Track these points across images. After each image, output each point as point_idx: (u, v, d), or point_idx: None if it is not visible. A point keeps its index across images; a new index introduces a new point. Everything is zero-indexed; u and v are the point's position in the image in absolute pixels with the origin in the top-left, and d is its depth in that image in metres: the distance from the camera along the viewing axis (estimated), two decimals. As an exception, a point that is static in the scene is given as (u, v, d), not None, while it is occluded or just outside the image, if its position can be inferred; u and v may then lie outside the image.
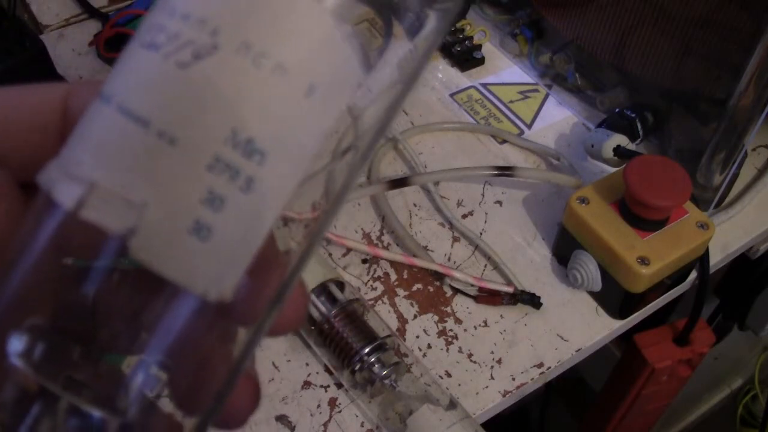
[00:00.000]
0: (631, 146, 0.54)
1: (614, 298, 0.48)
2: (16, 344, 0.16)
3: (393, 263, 0.51)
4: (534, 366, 0.46)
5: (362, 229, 0.53)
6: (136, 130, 0.15)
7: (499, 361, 0.46)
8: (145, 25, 0.16)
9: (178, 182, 0.15)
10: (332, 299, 0.44)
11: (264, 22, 0.15)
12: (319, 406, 0.43)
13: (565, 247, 0.50)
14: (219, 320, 0.17)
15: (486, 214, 0.54)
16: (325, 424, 0.43)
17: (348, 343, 0.42)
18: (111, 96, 0.16)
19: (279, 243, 0.18)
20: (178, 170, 0.15)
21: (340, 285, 0.45)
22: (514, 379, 0.45)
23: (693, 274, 0.51)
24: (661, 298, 0.50)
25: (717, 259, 0.53)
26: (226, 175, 0.15)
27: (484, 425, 0.42)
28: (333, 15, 0.16)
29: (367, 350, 0.42)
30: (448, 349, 0.47)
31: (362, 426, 0.43)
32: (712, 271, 0.50)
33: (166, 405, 0.17)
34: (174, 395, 0.17)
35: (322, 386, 0.44)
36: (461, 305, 0.49)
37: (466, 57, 0.66)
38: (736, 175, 0.54)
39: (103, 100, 0.16)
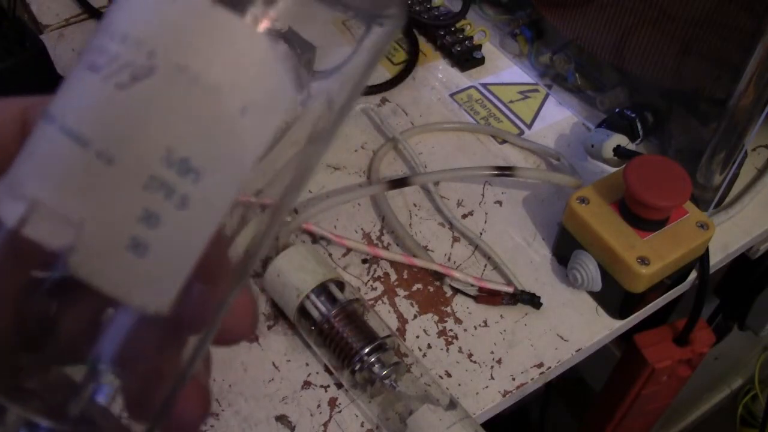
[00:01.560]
0: (631, 146, 0.54)
1: (614, 298, 0.48)
2: None
3: (393, 263, 0.51)
4: (534, 366, 0.46)
5: (362, 229, 0.53)
6: (76, 150, 0.16)
7: (499, 361, 0.46)
8: (89, 46, 0.17)
9: (114, 201, 0.16)
10: (332, 299, 0.44)
11: (199, 44, 0.16)
12: (319, 406, 0.43)
13: (565, 247, 0.50)
14: (165, 329, 0.18)
15: (486, 214, 0.54)
16: (325, 424, 0.43)
17: (348, 343, 0.42)
18: (55, 116, 0.16)
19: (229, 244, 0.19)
20: (114, 189, 0.16)
21: (340, 285, 0.45)
22: (514, 379, 0.45)
23: (693, 274, 0.51)
24: (661, 298, 0.50)
25: (717, 259, 0.53)
26: (161, 194, 0.16)
27: (484, 425, 0.42)
28: (267, 37, 0.16)
29: (367, 350, 0.42)
30: (448, 349, 0.46)
31: (362, 426, 0.43)
32: (712, 271, 0.50)
33: (119, 411, 0.18)
34: (125, 402, 0.17)
35: (322, 386, 0.44)
36: (461, 305, 0.49)
37: (466, 57, 0.66)
38: (736, 175, 0.54)
39: (48, 119, 0.16)
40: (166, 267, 0.16)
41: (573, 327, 0.48)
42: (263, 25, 0.16)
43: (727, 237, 0.54)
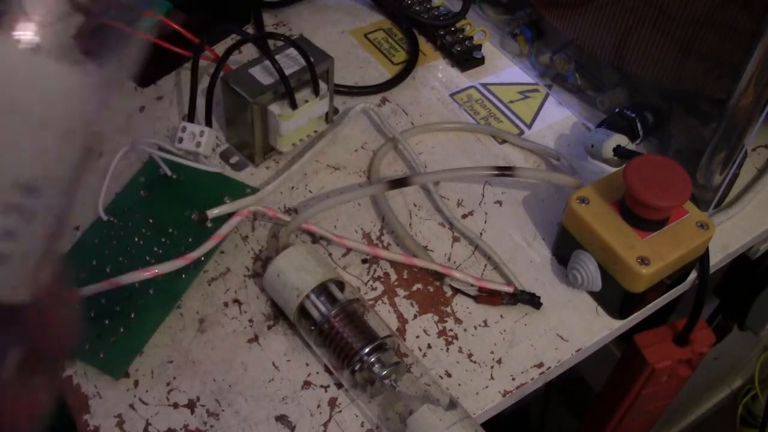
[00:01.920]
0: (631, 146, 0.54)
1: (614, 298, 0.48)
2: None
3: (393, 263, 0.51)
4: (534, 366, 0.46)
5: (362, 229, 0.53)
6: None
7: (499, 361, 0.46)
8: None
9: None
10: (332, 299, 0.44)
11: (21, 84, 0.19)
12: (319, 406, 0.43)
13: (565, 247, 0.50)
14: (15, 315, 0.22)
15: (486, 214, 0.54)
16: (325, 424, 0.43)
17: (348, 343, 0.42)
18: None
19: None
20: None
21: (340, 285, 0.45)
22: (514, 379, 0.45)
23: (693, 274, 0.51)
24: (661, 298, 0.50)
25: (717, 259, 0.53)
26: (15, 214, 0.20)
27: (484, 425, 0.42)
28: (72, 67, 0.19)
29: (367, 350, 0.42)
30: (448, 349, 0.47)
31: (362, 426, 0.43)
32: (712, 271, 0.50)
33: None
34: None
35: (322, 386, 0.44)
36: (461, 305, 0.49)
37: (466, 57, 0.66)
38: (736, 175, 0.54)
39: None
40: (23, 267, 0.21)
41: (573, 327, 0.48)
42: (54, 55, 0.19)
43: (727, 237, 0.54)
